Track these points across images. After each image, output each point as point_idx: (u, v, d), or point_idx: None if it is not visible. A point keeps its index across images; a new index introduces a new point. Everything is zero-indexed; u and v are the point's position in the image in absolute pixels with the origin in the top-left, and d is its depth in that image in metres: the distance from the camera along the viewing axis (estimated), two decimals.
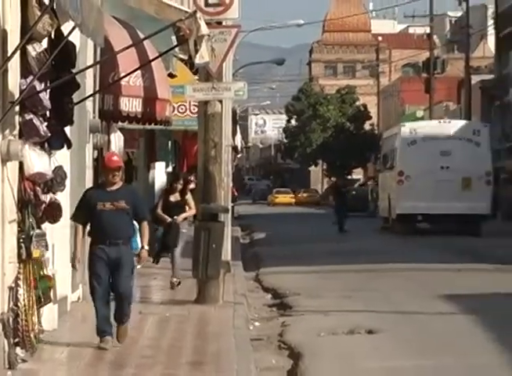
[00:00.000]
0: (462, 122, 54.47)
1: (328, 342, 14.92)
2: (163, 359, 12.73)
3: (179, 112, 27.57)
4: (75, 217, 13.06)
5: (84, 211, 12.64)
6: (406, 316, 17.50)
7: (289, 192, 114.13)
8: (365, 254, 31.09)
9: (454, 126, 48.50)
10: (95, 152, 20.50)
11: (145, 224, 12.79)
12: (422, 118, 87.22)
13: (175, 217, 20.54)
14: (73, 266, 13.22)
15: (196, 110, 21.24)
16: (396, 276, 24.78)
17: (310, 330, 15.90)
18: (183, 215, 20.77)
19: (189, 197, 21.03)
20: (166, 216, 20.65)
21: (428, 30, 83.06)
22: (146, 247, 12.81)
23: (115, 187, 12.50)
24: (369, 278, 24.39)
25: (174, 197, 20.91)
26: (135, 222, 13.11)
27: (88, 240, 13.07)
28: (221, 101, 19.14)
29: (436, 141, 45.22)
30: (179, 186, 21.08)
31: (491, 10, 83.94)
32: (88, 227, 12.79)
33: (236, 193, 56.61)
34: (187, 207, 20.90)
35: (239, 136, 65.99)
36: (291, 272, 25.26)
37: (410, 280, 23.83)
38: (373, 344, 14.78)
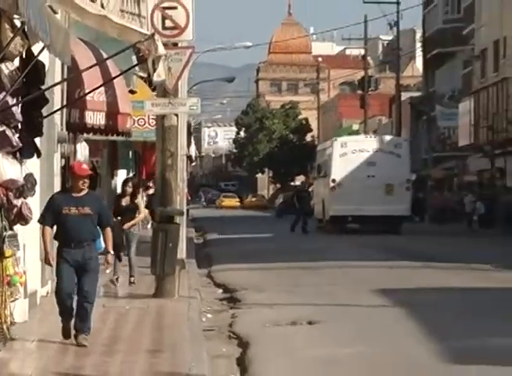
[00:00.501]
0: (386, 137, 55.76)
1: (272, 332, 14.92)
2: (124, 348, 12.70)
3: (139, 125, 27.54)
4: (42, 219, 12.59)
5: (51, 215, 12.23)
6: (343, 309, 17.53)
7: (234, 196, 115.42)
8: (305, 253, 31.13)
9: (379, 140, 50.59)
10: (63, 160, 20.44)
11: (108, 230, 12.35)
12: (357, 131, 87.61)
13: (126, 225, 19.75)
14: (48, 263, 12.78)
15: (155, 123, 21.17)
16: (333, 272, 24.84)
17: (256, 322, 15.89)
18: (130, 224, 19.93)
19: (139, 201, 20.53)
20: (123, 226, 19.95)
21: (363, 51, 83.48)
22: (112, 252, 12.52)
23: (81, 194, 12.10)
24: (309, 274, 24.42)
25: (125, 201, 20.19)
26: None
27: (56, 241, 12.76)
28: (177, 115, 19.11)
29: (363, 153, 47.27)
30: (129, 190, 20.35)
31: (419, 34, 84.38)
32: (54, 229, 12.43)
33: (190, 198, 56.53)
34: (137, 211, 20.28)
35: (193, 146, 66.10)
36: (240, 270, 25.25)
37: (346, 275, 23.89)
38: (312, 334, 14.80)
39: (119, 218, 19.61)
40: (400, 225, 45.75)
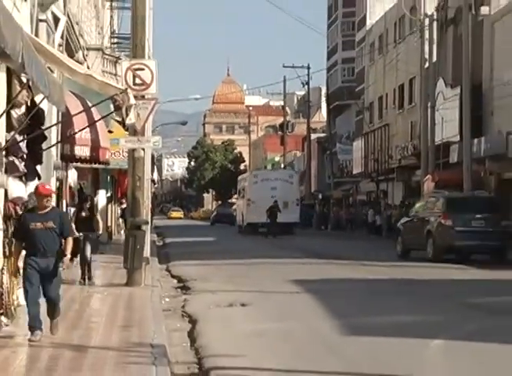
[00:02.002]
0: (283, 170, 65.03)
1: (215, 312, 14.86)
2: (103, 324, 12.59)
3: (115, 156, 27.38)
4: (14, 235, 11.53)
5: (21, 230, 11.08)
6: (267, 294, 17.49)
7: (180, 210, 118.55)
8: (238, 252, 31.11)
9: (279, 173, 57.51)
10: (58, 183, 20.26)
11: (68, 239, 11.15)
12: (278, 162, 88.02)
13: (80, 234, 18.17)
14: (15, 275, 11.96)
15: (127, 154, 21.05)
16: (259, 266, 24.79)
17: (203, 304, 15.82)
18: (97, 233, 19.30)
19: (97, 214, 19.39)
20: (75, 232, 17.66)
21: (282, 103, 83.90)
22: (69, 256, 11.34)
23: (45, 211, 10.94)
24: (242, 268, 24.37)
25: (85, 213, 18.87)
26: None
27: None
28: (143, 149, 19.04)
29: (268, 181, 51.51)
30: (88, 205, 19.02)
31: (324, 91, 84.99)
32: (23, 243, 11.10)
33: (153, 211, 56.38)
34: (94, 220, 18.96)
35: (156, 173, 66.01)
36: (190, 265, 25.14)
37: (269, 269, 23.85)
38: (245, 313, 14.75)
39: (81, 233, 18.04)
40: (293, 229, 49.97)
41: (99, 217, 19.30)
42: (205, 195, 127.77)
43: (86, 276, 18.41)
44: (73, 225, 18.08)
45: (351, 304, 15.93)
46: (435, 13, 44.52)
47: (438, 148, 41.69)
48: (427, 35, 43.89)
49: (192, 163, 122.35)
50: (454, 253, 27.02)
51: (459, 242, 26.36)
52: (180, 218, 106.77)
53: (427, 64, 43.59)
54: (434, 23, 44.08)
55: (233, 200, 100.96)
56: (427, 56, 43.73)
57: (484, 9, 39.05)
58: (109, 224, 38.23)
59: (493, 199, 31.18)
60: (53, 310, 11.18)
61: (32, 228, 10.83)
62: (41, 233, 10.84)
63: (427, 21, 43.97)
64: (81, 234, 18.13)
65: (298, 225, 51.72)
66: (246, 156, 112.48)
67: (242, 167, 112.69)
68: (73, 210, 20.50)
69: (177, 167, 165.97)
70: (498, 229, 26.58)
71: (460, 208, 27.08)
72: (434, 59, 44.21)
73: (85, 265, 18.48)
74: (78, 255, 18.51)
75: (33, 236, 10.84)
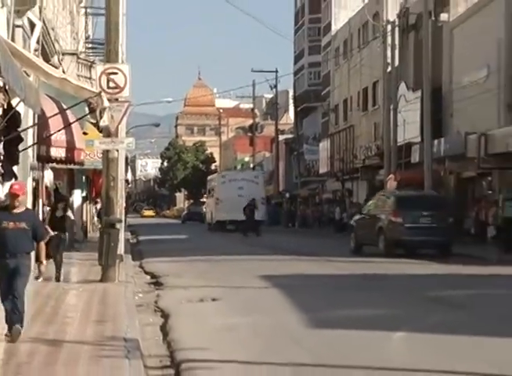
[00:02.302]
0: (249, 171, 65.43)
1: (186, 307, 14.84)
2: (78, 319, 12.51)
3: (90, 157, 27.24)
4: None
5: None
6: (236, 289, 17.51)
7: (152, 209, 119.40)
8: (209, 249, 31.09)
9: (246, 173, 58.64)
10: (34, 183, 20.14)
11: (41, 243, 10.67)
12: (248, 162, 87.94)
13: (56, 232, 18.00)
14: None
15: (101, 155, 20.97)
16: (229, 263, 24.81)
17: (175, 299, 15.79)
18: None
19: (69, 213, 19.17)
20: (50, 230, 17.50)
21: (252, 105, 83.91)
22: (44, 262, 10.92)
23: (19, 210, 10.39)
24: (213, 265, 24.37)
25: (59, 213, 18.63)
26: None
27: None
28: (117, 150, 18.97)
29: (236, 181, 52.66)
30: (62, 205, 18.86)
31: (291, 94, 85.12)
32: None
33: (126, 210, 56.26)
34: (67, 221, 18.96)
35: (129, 173, 65.76)
36: (163, 262, 25.08)
37: (238, 265, 23.87)
38: (215, 308, 14.74)
39: (55, 232, 17.93)
40: (259, 226, 48.42)
41: (70, 215, 19.08)
42: (177, 194, 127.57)
43: (57, 275, 18.11)
44: (48, 225, 17.85)
45: (316, 298, 15.96)
46: (397, 20, 44.77)
47: (400, 148, 41.92)
48: (389, 41, 44.12)
49: (165, 163, 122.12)
50: (404, 248, 27.92)
51: (408, 237, 27.21)
52: (152, 216, 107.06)
53: (389, 68, 43.82)
54: (396, 29, 44.32)
55: (204, 199, 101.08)
56: (389, 61, 43.97)
57: (443, 16, 39.40)
58: (84, 223, 38.06)
59: (440, 197, 31.94)
60: (17, 310, 10.26)
61: (4, 227, 10.27)
62: (12, 233, 10.27)
63: (389, 27, 44.20)
64: (55, 232, 17.95)
65: (264, 223, 52.31)
66: (217, 156, 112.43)
67: (213, 167, 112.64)
68: (48, 209, 20.32)
69: (150, 167, 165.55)
70: (444, 225, 27.47)
71: (409, 206, 27.87)
72: (397, 63, 44.46)
73: (57, 264, 18.24)
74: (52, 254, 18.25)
75: (4, 236, 10.25)
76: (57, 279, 17.98)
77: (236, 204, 48.64)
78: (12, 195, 10.40)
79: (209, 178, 63.23)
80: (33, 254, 10.75)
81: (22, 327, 10.29)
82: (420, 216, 27.54)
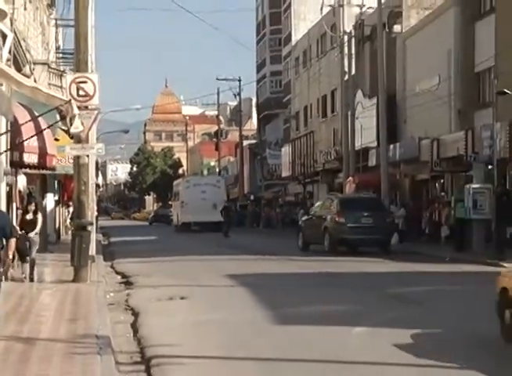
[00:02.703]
0: (211, 176, 68.28)
1: (156, 305, 14.76)
2: (51, 317, 12.39)
3: (61, 162, 26.95)
4: None
5: None
6: (204, 288, 17.46)
7: (121, 211, 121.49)
8: (177, 250, 31.00)
9: (208, 178, 61.06)
10: (7, 187, 19.91)
11: (11, 241, 10.45)
12: (214, 166, 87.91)
13: (30, 233, 17.85)
14: None
15: (72, 160, 20.78)
16: (197, 263, 24.68)
17: (145, 298, 15.70)
18: (34, 232, 18.10)
19: (39, 215, 18.38)
20: (19, 230, 17.17)
21: (217, 112, 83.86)
22: (10, 257, 10.83)
23: None
24: (181, 264, 24.27)
25: (29, 216, 18.16)
26: None
27: None
28: (88, 156, 18.84)
29: (199, 186, 53.99)
30: (33, 208, 18.31)
31: (254, 101, 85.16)
32: None
33: (97, 213, 55.89)
34: (37, 223, 18.22)
35: (100, 177, 65.45)
36: (133, 262, 24.94)
37: (206, 265, 23.75)
38: (184, 305, 14.69)
39: (23, 231, 17.62)
40: (222, 227, 47.44)
41: (39, 217, 18.69)
42: (147, 197, 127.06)
43: (30, 276, 17.70)
44: (18, 226, 17.61)
45: (280, 296, 15.95)
46: (353, 31, 44.98)
47: (357, 153, 42.11)
48: (346, 51, 44.36)
49: (135, 168, 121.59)
50: (346, 245, 29.01)
51: (350, 236, 28.29)
52: (122, 218, 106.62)
53: (346, 77, 44.03)
54: (353, 40, 44.57)
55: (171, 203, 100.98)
56: (346, 70, 44.20)
57: (396, 28, 39.71)
58: (57, 225, 37.73)
59: (378, 199, 33.17)
60: None
61: None
62: None
63: (346, 38, 44.41)
64: (22, 231, 17.53)
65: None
66: (184, 161, 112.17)
67: (180, 171, 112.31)
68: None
69: (120, 172, 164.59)
70: (382, 224, 28.45)
71: (351, 208, 29.00)
72: (353, 72, 44.70)
73: (30, 265, 17.79)
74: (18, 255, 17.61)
75: None
76: (31, 279, 17.67)
77: (200, 206, 50.67)
78: None
79: (174, 183, 63.74)
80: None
81: None
82: (361, 217, 28.44)
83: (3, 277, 11.74)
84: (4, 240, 10.34)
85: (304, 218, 32.70)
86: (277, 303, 14.58)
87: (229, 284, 18.09)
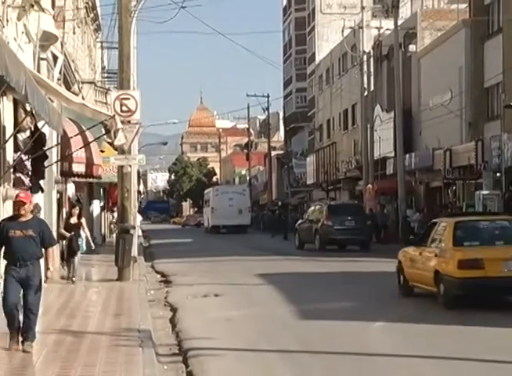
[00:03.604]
0: (238, 185, 72.35)
1: (192, 302, 14.81)
2: (98, 313, 12.49)
3: (107, 171, 27.11)
4: None
5: (0, 238, 9.12)
6: (236, 286, 17.47)
7: (159, 216, 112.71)
8: (211, 251, 31.01)
9: (235, 187, 64.18)
10: (58, 194, 20.10)
11: (50, 250, 9.36)
12: (245, 175, 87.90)
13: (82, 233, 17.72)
14: None
15: (116, 170, 20.93)
16: (229, 262, 24.66)
17: (182, 295, 15.76)
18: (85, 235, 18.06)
19: (83, 220, 18.14)
20: (67, 233, 17.49)
21: (247, 126, 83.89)
22: (51, 269, 9.89)
23: (25, 219, 9.14)
24: (214, 264, 24.26)
25: (73, 220, 17.71)
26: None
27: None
28: (130, 165, 18.97)
29: (227, 194, 55.56)
30: (76, 212, 17.80)
31: (281, 115, 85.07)
32: (3, 250, 9.22)
33: (140, 218, 56.27)
34: (81, 227, 17.93)
35: (142, 185, 65.75)
36: (171, 262, 25.01)
37: (237, 265, 23.73)
38: (217, 302, 14.74)
39: (73, 233, 17.39)
40: (246, 229, 53.16)
41: (83, 221, 18.66)
42: (184, 203, 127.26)
43: (71, 275, 17.21)
44: (64, 230, 17.55)
45: (305, 293, 15.93)
46: (372, 51, 44.87)
47: (376, 162, 41.93)
48: (365, 69, 44.21)
49: (173, 177, 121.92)
50: (333, 244, 31.36)
51: (336, 236, 30.89)
52: (160, 222, 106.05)
53: (366, 93, 43.89)
54: (371, 59, 44.42)
55: None
56: (365, 86, 44.06)
57: (412, 47, 39.56)
58: (102, 228, 37.97)
59: (360, 206, 35.90)
60: (29, 324, 9.04)
61: (11, 236, 9.03)
62: (20, 241, 9.01)
63: (365, 57, 44.29)
64: (72, 233, 17.39)
65: (250, 226, 55.90)
66: (217, 170, 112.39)
67: (214, 179, 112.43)
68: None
69: (159, 180, 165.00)
70: (363, 226, 30.91)
71: (338, 212, 31.74)
72: (372, 88, 44.54)
73: (73, 269, 17.31)
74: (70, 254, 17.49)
75: (11, 244, 9.01)
76: (72, 280, 17.01)
77: (228, 211, 52.67)
78: (18, 203, 9.20)
79: (205, 191, 64.76)
80: (42, 261, 9.58)
81: (34, 340, 9.16)
82: (346, 220, 30.99)
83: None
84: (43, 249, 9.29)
85: (299, 221, 35.22)
86: (302, 300, 14.55)
87: (259, 282, 18.07)
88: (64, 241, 18.05)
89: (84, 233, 18.25)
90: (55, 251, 10.44)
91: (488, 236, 13.69)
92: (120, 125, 14.34)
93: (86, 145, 18.10)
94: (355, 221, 30.94)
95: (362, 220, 31.16)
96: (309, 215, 33.96)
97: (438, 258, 13.37)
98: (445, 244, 13.50)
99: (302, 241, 33.07)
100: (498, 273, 12.50)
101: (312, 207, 35.39)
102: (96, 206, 34.83)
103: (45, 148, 13.64)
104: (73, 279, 17.13)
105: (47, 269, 9.84)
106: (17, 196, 9.39)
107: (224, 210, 52.90)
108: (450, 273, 12.79)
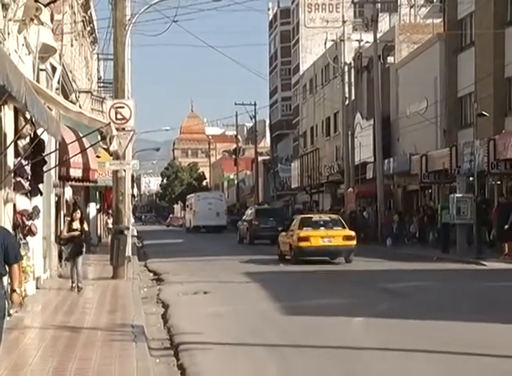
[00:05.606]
0: (216, 192, 78.25)
1: (183, 299, 14.81)
2: (94, 309, 12.48)
3: (102, 176, 26.99)
4: None
5: None
6: (224, 284, 17.48)
7: (151, 218, 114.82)
8: (198, 251, 30.98)
9: (214, 193, 69.44)
10: (56, 198, 20.05)
11: (15, 267, 6.63)
12: (233, 179, 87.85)
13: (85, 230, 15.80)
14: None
15: (112, 174, 20.87)
16: (215, 262, 24.65)
17: (173, 292, 15.76)
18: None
19: (85, 225, 16.04)
20: (73, 233, 15.49)
21: (235, 132, 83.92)
22: (18, 291, 6.89)
23: None
24: (203, 263, 24.25)
25: (75, 224, 15.59)
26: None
27: None
28: (125, 170, 18.97)
29: (207, 199, 60.64)
30: (78, 215, 15.73)
31: (267, 122, 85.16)
32: None
33: (133, 219, 56.20)
34: (84, 232, 15.85)
35: (135, 189, 65.51)
36: (164, 262, 24.97)
37: (224, 264, 23.70)
38: (207, 299, 14.73)
39: (79, 232, 15.46)
40: (223, 230, 57.54)
41: (85, 227, 17.74)
42: (175, 206, 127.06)
43: (76, 285, 15.15)
44: (66, 233, 15.80)
45: (288, 290, 15.99)
46: (353, 62, 45.03)
47: (357, 167, 42.06)
48: (346, 79, 44.38)
49: (165, 181, 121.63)
50: (259, 239, 37.39)
51: (261, 233, 37.72)
52: (153, 224, 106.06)
53: (347, 101, 44.05)
54: (352, 70, 44.58)
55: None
56: (347, 95, 44.22)
57: (390, 59, 39.79)
58: (98, 230, 37.85)
59: (278, 209, 46.48)
60: None
61: None
62: None
63: (346, 68, 44.44)
64: (78, 233, 15.51)
65: (226, 227, 59.62)
66: (207, 174, 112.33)
67: (204, 183, 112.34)
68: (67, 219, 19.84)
69: (153, 184, 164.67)
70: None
71: (262, 214, 39.37)
72: (353, 97, 44.71)
73: (76, 272, 15.33)
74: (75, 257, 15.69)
75: None
76: (78, 290, 15.08)
77: (207, 214, 57.73)
78: None
79: (188, 197, 68.71)
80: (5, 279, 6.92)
81: None
82: (268, 221, 37.95)
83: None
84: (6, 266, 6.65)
85: (239, 223, 42.22)
86: (286, 296, 14.59)
87: (245, 280, 18.07)
88: (64, 247, 16.46)
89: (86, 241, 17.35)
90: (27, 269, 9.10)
91: (316, 224, 23.82)
92: (115, 132, 14.36)
93: (83, 151, 18.05)
94: (275, 221, 36.95)
95: (280, 221, 35.77)
96: (246, 217, 40.95)
97: (291, 236, 23.47)
98: (295, 228, 23.76)
99: (241, 237, 39.76)
100: (318, 244, 22.95)
101: (248, 211, 42.41)
102: (92, 208, 34.73)
103: (43, 154, 13.64)
104: (79, 285, 15.12)
105: (12, 291, 6.81)
106: None
107: (204, 212, 58.14)
108: (295, 244, 23.06)
